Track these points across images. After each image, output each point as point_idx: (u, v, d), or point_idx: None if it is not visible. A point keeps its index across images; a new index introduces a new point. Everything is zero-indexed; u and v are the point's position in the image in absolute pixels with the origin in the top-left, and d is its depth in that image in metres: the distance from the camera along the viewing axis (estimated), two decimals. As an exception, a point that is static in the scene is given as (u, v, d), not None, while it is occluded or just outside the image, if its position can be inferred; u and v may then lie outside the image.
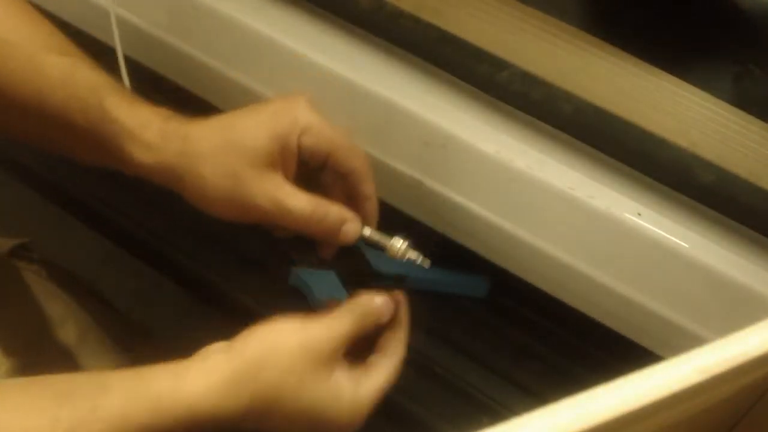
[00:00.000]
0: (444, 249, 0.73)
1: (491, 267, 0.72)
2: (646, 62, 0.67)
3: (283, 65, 0.71)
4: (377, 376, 0.58)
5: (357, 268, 0.70)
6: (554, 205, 0.64)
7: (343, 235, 0.61)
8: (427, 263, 0.63)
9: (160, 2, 0.77)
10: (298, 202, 0.59)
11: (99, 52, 0.82)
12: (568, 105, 0.63)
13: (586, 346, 0.74)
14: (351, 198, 0.63)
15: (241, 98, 0.76)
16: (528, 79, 0.64)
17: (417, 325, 0.74)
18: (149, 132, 0.60)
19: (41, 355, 0.71)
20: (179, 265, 0.78)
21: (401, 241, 0.63)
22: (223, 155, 0.59)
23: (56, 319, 0.74)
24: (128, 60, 0.76)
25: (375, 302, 0.59)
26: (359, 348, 0.60)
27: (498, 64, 0.65)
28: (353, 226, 0.61)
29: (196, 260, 0.77)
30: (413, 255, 0.62)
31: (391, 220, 0.74)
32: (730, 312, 0.61)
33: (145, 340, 0.83)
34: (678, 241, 0.61)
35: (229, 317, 0.79)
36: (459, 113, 0.66)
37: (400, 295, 0.62)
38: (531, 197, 0.65)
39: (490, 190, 0.67)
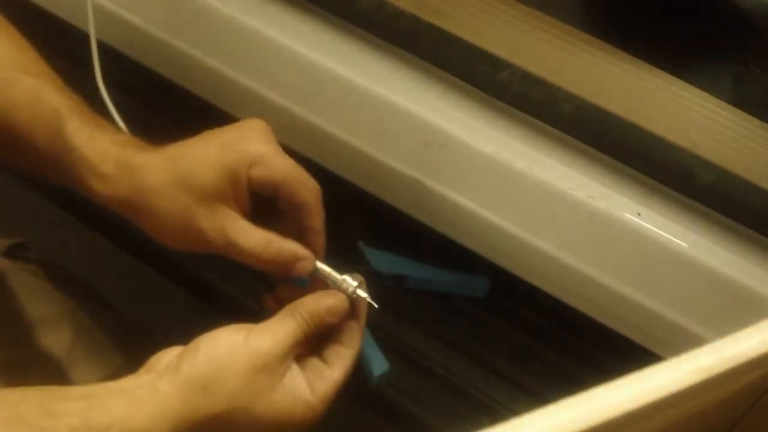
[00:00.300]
0: (444, 249, 0.73)
1: (491, 267, 0.72)
2: (647, 62, 0.67)
3: (279, 62, 0.72)
4: (333, 369, 0.57)
5: (357, 268, 0.70)
6: (554, 205, 0.64)
7: (295, 273, 0.60)
8: (374, 305, 0.60)
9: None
10: (249, 239, 0.59)
11: (71, 36, 0.82)
12: (568, 105, 0.63)
13: (586, 346, 0.74)
14: (300, 230, 0.62)
15: (225, 89, 0.76)
16: (528, 79, 0.64)
17: (417, 325, 0.74)
18: (106, 164, 0.60)
19: (32, 353, 0.71)
20: (179, 265, 0.78)
21: (351, 280, 0.59)
22: (174, 191, 0.59)
23: (51, 318, 0.74)
24: (102, 45, 0.75)
25: (321, 306, 0.57)
26: (314, 338, 0.58)
27: (498, 64, 0.65)
28: (306, 264, 0.60)
29: (196, 260, 0.77)
30: (363, 296, 0.59)
31: (391, 220, 0.74)
32: (730, 312, 0.62)
33: (144, 340, 0.83)
34: (677, 240, 0.61)
35: (229, 317, 0.79)
36: (459, 113, 0.67)
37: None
38: (531, 197, 0.65)
39: (490, 190, 0.67)
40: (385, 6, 0.68)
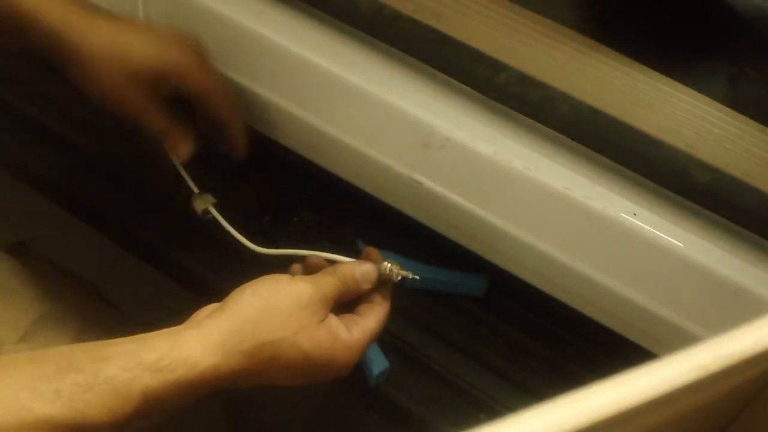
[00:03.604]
0: (443, 249, 0.73)
1: (489, 266, 0.72)
2: (642, 64, 0.67)
3: (285, 67, 0.72)
4: (368, 319, 0.62)
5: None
6: (551, 206, 0.64)
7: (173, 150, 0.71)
8: (416, 278, 0.66)
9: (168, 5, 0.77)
10: (155, 118, 0.69)
11: None
12: (564, 106, 0.63)
13: (583, 344, 0.74)
14: (219, 128, 0.72)
15: (243, 99, 0.76)
16: (525, 80, 0.65)
17: (416, 323, 0.75)
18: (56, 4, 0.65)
19: (37, 348, 0.71)
20: (180, 265, 0.78)
21: (389, 265, 0.65)
22: (111, 62, 0.66)
23: (55, 315, 0.74)
24: None
25: (356, 271, 0.63)
26: (347, 309, 0.64)
27: (496, 66, 0.65)
28: (185, 147, 0.71)
29: (196, 260, 0.78)
30: (404, 273, 0.65)
31: (391, 220, 0.75)
32: (725, 311, 0.62)
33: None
34: (673, 240, 0.62)
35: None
36: (457, 115, 0.67)
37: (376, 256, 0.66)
38: (528, 198, 0.65)
39: (488, 190, 0.67)
40: (383, 9, 0.68)
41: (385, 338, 0.71)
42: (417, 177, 0.69)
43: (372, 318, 0.62)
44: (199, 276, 0.77)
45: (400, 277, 0.65)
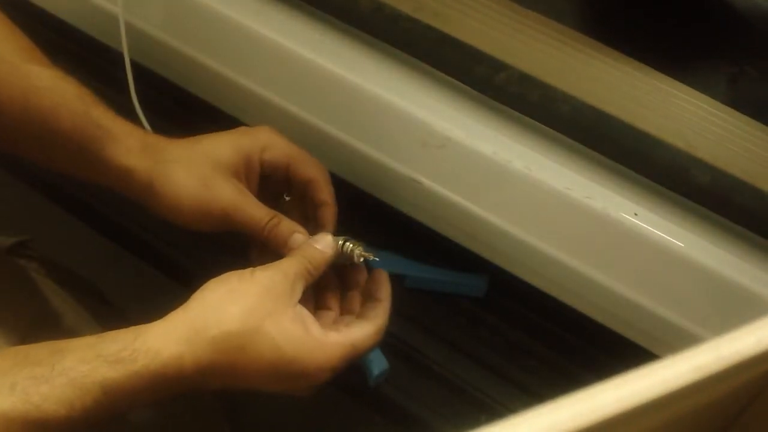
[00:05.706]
0: (442, 249, 0.73)
1: (489, 266, 0.72)
2: (643, 64, 0.67)
3: (287, 68, 0.72)
4: (352, 329, 0.60)
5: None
6: (551, 206, 0.64)
7: (291, 243, 0.64)
8: (376, 260, 0.65)
9: (168, 7, 0.77)
10: (256, 209, 0.65)
11: (104, 55, 0.83)
12: (565, 106, 0.63)
13: (583, 344, 0.74)
14: (312, 207, 0.68)
15: (246, 101, 0.76)
16: (525, 80, 0.65)
17: (415, 324, 0.75)
18: (132, 139, 0.65)
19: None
20: (179, 265, 0.78)
21: (350, 245, 0.64)
22: (195, 163, 0.64)
23: (53, 316, 0.74)
24: (134, 65, 0.76)
25: (315, 243, 0.63)
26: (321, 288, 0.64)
27: (496, 65, 0.65)
28: (300, 237, 0.65)
29: (196, 260, 0.78)
30: (367, 254, 0.65)
31: (390, 220, 0.74)
32: (726, 311, 0.62)
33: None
34: (674, 240, 0.62)
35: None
36: (457, 114, 0.67)
37: (382, 274, 0.65)
38: (528, 197, 0.65)
39: (488, 190, 0.67)
40: (383, 8, 0.68)
41: (384, 338, 0.71)
42: (417, 177, 0.69)
43: (358, 329, 0.60)
44: (200, 276, 0.77)
45: (362, 259, 0.64)
